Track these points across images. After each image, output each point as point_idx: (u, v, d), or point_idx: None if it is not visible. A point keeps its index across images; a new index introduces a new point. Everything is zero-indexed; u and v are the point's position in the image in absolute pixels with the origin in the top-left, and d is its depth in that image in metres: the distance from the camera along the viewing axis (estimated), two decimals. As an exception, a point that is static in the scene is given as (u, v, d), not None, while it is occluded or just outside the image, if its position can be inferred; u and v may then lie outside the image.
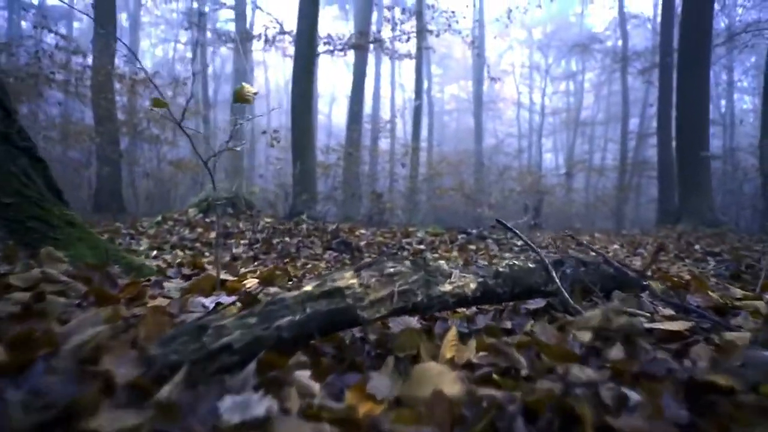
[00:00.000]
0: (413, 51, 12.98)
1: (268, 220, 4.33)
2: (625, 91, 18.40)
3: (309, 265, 2.81)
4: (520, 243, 4.28)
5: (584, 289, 1.44)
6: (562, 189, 13.67)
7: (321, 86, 30.98)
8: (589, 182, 17.81)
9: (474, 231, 5.17)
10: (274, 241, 3.46)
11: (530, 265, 1.35)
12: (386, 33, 12.68)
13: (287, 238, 3.50)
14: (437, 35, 12.00)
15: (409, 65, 17.73)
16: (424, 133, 24.44)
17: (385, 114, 24.28)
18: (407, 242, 4.13)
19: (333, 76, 34.28)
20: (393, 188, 13.08)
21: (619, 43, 20.41)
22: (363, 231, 4.47)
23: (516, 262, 1.33)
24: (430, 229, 5.47)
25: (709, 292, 1.50)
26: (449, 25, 11.33)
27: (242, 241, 3.53)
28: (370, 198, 9.87)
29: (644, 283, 1.57)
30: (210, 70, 26.78)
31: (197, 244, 3.35)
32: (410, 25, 12.38)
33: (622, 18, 20.27)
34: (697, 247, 4.47)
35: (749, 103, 28.78)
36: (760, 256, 3.38)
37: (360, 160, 13.55)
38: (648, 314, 1.21)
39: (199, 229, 3.99)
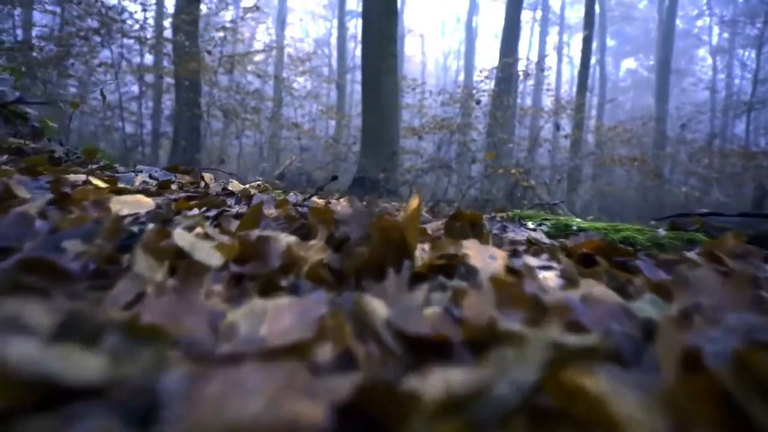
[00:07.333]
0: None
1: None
2: None
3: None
4: None
5: None
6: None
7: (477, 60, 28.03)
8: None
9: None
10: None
11: None
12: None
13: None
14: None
15: (579, 38, 14.63)
16: (592, 112, 21.05)
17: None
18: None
19: (490, 49, 31.75)
20: (553, 164, 10.92)
21: None
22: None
23: None
24: (564, 217, 2.18)
25: None
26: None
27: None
28: (512, 173, 7.15)
29: None
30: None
31: None
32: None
33: None
34: None
35: None
36: None
37: (509, 121, 10.25)
38: None
39: None
